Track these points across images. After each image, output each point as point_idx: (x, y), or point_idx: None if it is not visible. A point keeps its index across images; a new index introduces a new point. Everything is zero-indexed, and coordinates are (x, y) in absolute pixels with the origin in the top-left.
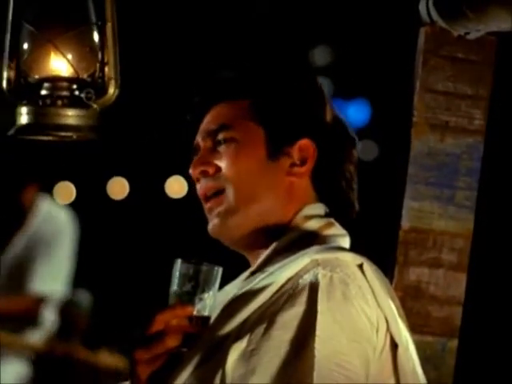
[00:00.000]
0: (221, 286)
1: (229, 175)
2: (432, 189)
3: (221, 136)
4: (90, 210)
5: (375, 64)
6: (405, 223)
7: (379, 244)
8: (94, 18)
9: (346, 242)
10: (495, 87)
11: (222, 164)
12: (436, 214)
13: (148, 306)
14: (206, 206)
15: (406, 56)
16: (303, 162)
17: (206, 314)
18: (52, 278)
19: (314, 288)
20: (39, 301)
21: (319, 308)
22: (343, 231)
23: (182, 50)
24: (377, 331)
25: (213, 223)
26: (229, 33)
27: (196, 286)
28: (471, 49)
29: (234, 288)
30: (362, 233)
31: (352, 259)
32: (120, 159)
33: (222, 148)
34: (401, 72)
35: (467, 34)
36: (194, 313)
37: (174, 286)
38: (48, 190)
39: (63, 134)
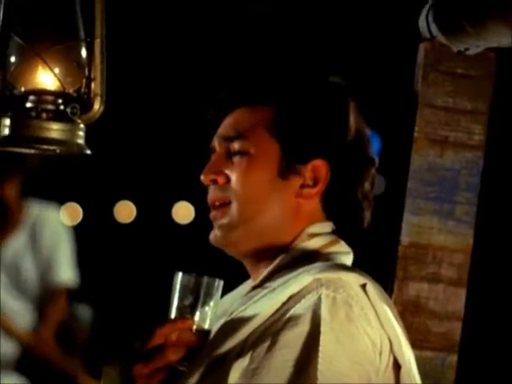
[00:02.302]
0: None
1: (236, 189)
2: (431, 204)
3: (236, 146)
4: (96, 232)
5: (374, 82)
6: (404, 238)
7: (379, 259)
8: (82, 34)
9: (349, 259)
10: (495, 102)
11: (232, 176)
12: (435, 229)
13: (148, 321)
14: (212, 213)
15: (406, 71)
16: (315, 183)
17: (206, 327)
18: (67, 267)
19: (317, 308)
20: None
21: (322, 329)
22: (347, 249)
23: (175, 68)
24: (380, 353)
25: (214, 234)
26: (219, 52)
27: (197, 299)
28: (471, 64)
29: (233, 301)
30: (362, 247)
31: (355, 279)
32: (128, 182)
33: (235, 158)
34: (400, 89)
35: (467, 49)
36: (194, 326)
37: (175, 299)
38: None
39: (46, 147)
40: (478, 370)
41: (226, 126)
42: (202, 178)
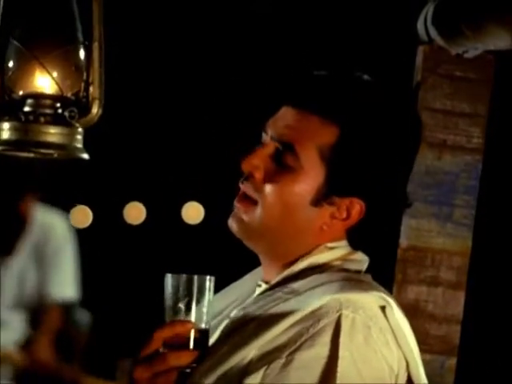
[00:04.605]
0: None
1: (267, 197)
2: (430, 207)
3: (284, 154)
4: (106, 234)
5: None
6: (403, 241)
7: (378, 262)
8: (81, 37)
9: (363, 266)
10: (493, 105)
11: (269, 182)
12: (434, 232)
13: (154, 322)
14: (236, 199)
15: (404, 75)
16: (346, 218)
17: (203, 325)
18: (68, 284)
19: (336, 330)
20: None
21: (340, 353)
22: (363, 257)
23: (175, 67)
24: (396, 376)
25: (231, 224)
26: (218, 52)
27: (190, 299)
28: (469, 67)
29: (240, 295)
30: (361, 251)
31: (374, 299)
32: (137, 184)
33: (279, 165)
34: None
35: (465, 52)
36: (193, 328)
37: (169, 301)
38: (65, 214)
39: (44, 151)
40: (477, 373)
41: (284, 124)
42: (242, 163)
